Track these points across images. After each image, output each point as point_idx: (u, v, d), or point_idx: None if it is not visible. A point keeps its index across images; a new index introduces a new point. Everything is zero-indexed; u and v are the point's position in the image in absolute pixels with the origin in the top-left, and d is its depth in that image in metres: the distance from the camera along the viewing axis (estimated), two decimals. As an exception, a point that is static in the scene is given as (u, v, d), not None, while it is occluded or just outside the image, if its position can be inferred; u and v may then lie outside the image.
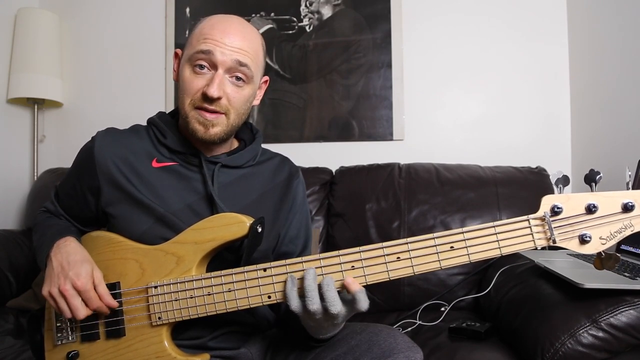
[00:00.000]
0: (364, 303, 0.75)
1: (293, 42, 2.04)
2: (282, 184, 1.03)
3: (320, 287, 0.75)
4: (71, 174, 0.99)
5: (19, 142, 2.18)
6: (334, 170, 1.84)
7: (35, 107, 2.15)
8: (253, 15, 2.06)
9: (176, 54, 0.98)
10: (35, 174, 2.14)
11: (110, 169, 0.92)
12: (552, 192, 1.64)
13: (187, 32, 2.12)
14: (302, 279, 0.77)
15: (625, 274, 1.03)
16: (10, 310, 1.55)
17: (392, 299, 1.56)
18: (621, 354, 0.94)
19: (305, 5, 2.04)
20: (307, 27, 2.04)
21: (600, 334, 0.93)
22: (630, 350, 0.94)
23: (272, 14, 2.05)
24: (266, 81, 1.01)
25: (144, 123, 1.02)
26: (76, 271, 0.83)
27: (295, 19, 2.04)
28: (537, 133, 1.91)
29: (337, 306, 0.74)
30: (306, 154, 1.97)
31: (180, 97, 0.91)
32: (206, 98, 0.87)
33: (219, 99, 0.87)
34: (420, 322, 1.37)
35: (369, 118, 2.00)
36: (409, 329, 1.34)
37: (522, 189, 1.63)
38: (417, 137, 1.97)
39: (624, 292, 0.95)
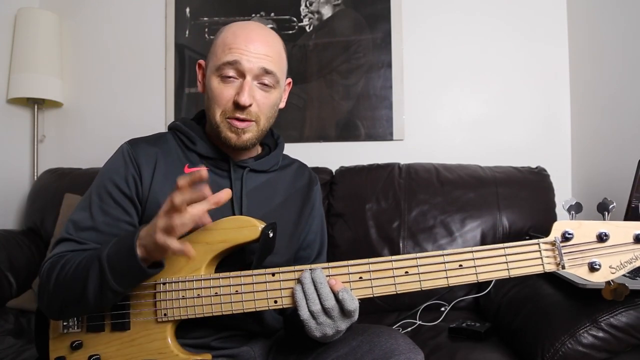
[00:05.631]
0: (349, 303, 0.76)
1: (293, 42, 2.04)
2: (303, 190, 1.06)
3: (314, 284, 0.77)
4: (104, 186, 0.91)
5: (19, 142, 2.17)
6: (334, 170, 1.84)
7: (35, 107, 2.15)
8: (253, 15, 2.05)
9: (199, 65, 0.99)
10: (35, 174, 2.14)
11: (145, 178, 0.91)
12: (552, 192, 1.64)
13: (187, 32, 2.12)
14: (301, 284, 0.78)
15: (626, 274, 1.03)
16: (10, 310, 1.55)
17: (392, 299, 1.55)
18: (621, 354, 0.95)
19: (305, 5, 2.04)
20: (307, 27, 2.04)
21: (600, 334, 0.93)
22: (630, 350, 0.94)
23: (272, 14, 2.05)
24: (289, 83, 1.03)
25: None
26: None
27: (295, 19, 2.04)
28: (537, 133, 1.91)
29: (330, 300, 0.76)
30: (306, 154, 1.94)
31: (210, 107, 0.92)
32: (238, 106, 0.88)
33: (250, 106, 0.89)
34: (420, 322, 1.36)
35: (369, 118, 1.99)
36: (409, 329, 1.34)
37: (522, 189, 1.63)
38: (417, 137, 1.97)
39: (624, 292, 0.96)
